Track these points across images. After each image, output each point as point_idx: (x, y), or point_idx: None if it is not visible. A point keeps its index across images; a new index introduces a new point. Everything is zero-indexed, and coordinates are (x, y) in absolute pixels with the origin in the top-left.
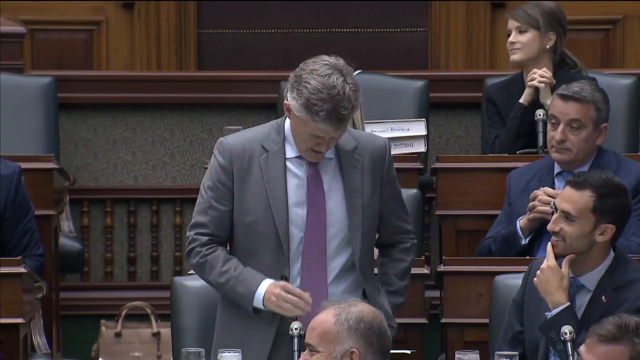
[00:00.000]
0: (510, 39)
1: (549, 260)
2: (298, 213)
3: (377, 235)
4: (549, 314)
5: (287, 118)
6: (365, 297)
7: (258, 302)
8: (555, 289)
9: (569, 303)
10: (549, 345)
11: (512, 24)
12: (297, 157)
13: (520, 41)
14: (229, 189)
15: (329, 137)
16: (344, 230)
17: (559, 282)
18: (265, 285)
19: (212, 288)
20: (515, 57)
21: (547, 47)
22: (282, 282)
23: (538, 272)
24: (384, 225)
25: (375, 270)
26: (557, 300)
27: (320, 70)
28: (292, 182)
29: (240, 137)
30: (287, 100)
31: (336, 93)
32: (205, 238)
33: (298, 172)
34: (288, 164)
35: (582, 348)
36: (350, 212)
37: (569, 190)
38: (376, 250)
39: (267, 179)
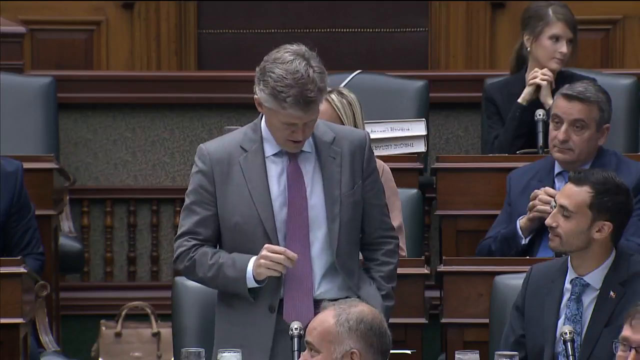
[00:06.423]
0: (564, 49)
1: None
2: (280, 210)
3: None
4: None
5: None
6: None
7: (251, 280)
8: None
9: None
10: None
11: (565, 32)
12: (275, 154)
13: (566, 54)
14: (210, 193)
15: (302, 124)
16: (324, 223)
17: None
18: (253, 260)
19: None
20: (560, 67)
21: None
22: (265, 245)
23: None
24: (368, 219)
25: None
26: None
27: (283, 57)
28: (273, 179)
29: (218, 142)
30: (256, 94)
31: (300, 77)
32: (190, 242)
33: (278, 168)
34: (268, 161)
35: (625, 332)
36: (328, 203)
37: (569, 186)
38: (361, 255)
39: (248, 177)
